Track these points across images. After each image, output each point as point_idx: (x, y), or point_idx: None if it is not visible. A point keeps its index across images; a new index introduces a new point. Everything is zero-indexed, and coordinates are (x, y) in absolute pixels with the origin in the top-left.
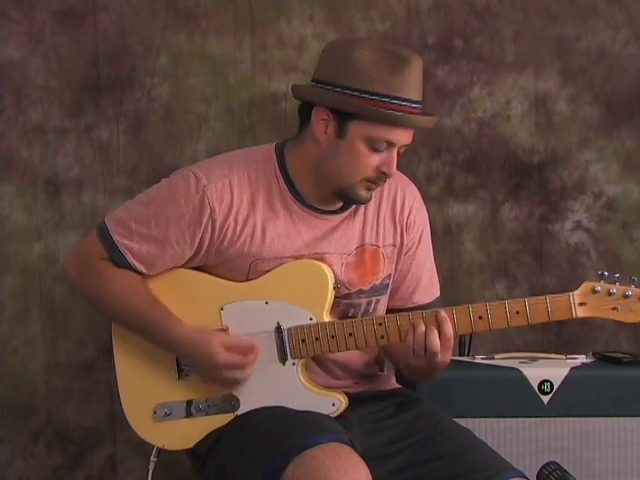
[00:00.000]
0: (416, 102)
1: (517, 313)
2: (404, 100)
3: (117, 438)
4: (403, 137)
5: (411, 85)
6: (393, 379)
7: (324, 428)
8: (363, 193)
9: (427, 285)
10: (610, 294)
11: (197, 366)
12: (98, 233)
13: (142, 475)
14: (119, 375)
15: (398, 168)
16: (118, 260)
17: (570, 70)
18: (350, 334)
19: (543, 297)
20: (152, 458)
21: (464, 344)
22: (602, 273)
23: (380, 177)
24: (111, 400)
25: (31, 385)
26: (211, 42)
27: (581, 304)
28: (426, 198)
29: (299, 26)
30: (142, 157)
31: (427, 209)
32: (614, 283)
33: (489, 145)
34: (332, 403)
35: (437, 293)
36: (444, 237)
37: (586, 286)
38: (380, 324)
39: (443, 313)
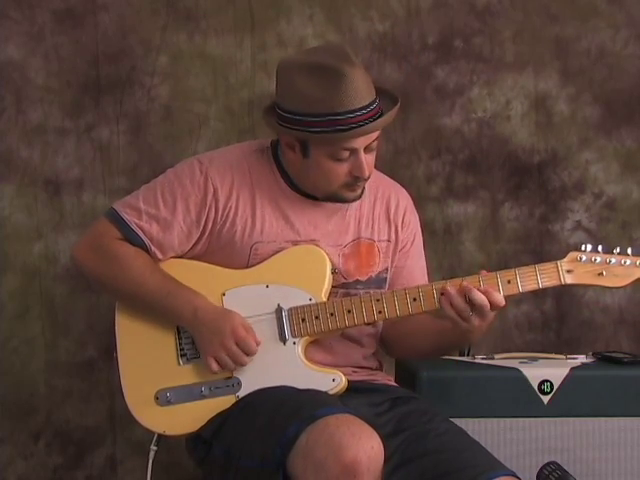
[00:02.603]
0: (362, 108)
1: (509, 283)
2: (349, 112)
3: (117, 438)
4: (361, 142)
5: (353, 95)
6: (391, 378)
7: (333, 403)
8: (348, 194)
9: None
10: (595, 261)
11: (213, 333)
12: (108, 217)
13: (142, 475)
14: (121, 362)
15: (376, 165)
16: (133, 238)
17: (570, 70)
18: (349, 311)
19: (532, 266)
20: (152, 447)
21: None
22: (585, 245)
23: (357, 180)
24: (111, 400)
25: (31, 385)
26: (211, 42)
27: (568, 271)
28: (426, 198)
29: (299, 26)
30: (142, 157)
31: (427, 209)
32: (597, 252)
33: (489, 145)
34: (332, 379)
35: None
36: (444, 237)
37: (572, 255)
38: (378, 300)
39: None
